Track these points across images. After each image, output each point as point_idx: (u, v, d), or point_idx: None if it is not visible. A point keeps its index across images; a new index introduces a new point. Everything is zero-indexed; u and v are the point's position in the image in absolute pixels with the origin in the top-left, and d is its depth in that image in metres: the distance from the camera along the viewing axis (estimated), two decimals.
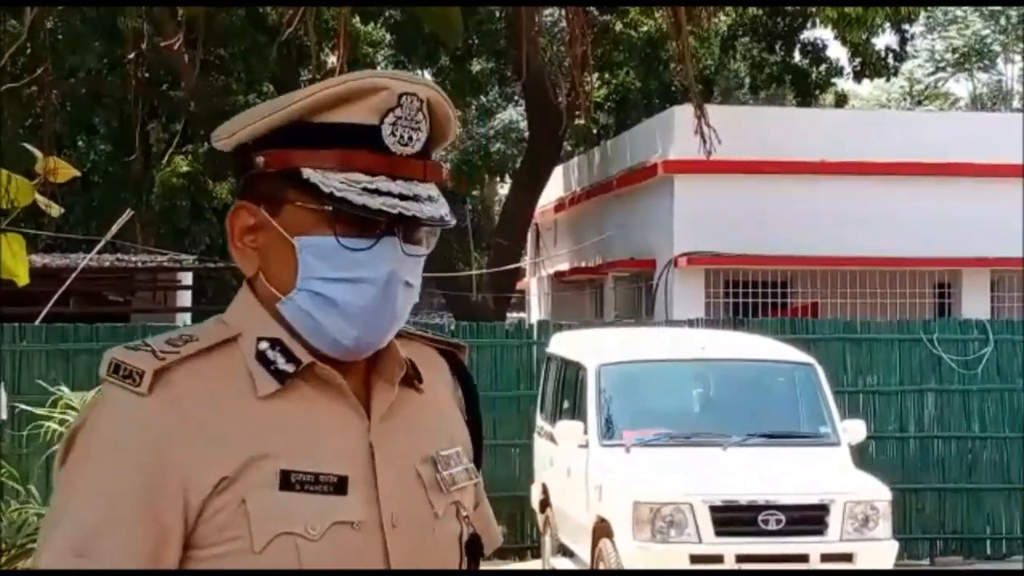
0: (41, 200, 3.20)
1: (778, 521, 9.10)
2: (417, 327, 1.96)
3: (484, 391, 12.40)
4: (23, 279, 3.12)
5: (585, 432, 9.97)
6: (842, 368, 12.68)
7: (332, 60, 16.66)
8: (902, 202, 16.56)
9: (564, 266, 22.22)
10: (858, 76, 23.58)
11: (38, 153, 3.31)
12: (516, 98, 27.72)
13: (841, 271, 16.86)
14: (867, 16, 19.44)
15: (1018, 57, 42.49)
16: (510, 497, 11.93)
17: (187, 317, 16.42)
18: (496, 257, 20.68)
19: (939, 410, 12.93)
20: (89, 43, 20.11)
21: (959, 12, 40.96)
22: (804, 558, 9.03)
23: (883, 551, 9.28)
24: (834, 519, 9.13)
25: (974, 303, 16.73)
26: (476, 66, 24.70)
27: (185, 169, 22.81)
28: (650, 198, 17.80)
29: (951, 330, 13.16)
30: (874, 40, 22.77)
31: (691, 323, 13.30)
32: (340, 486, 1.70)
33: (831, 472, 9.66)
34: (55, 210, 3.25)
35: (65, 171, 3.31)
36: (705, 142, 15.13)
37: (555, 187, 22.30)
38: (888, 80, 30.80)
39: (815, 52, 24.21)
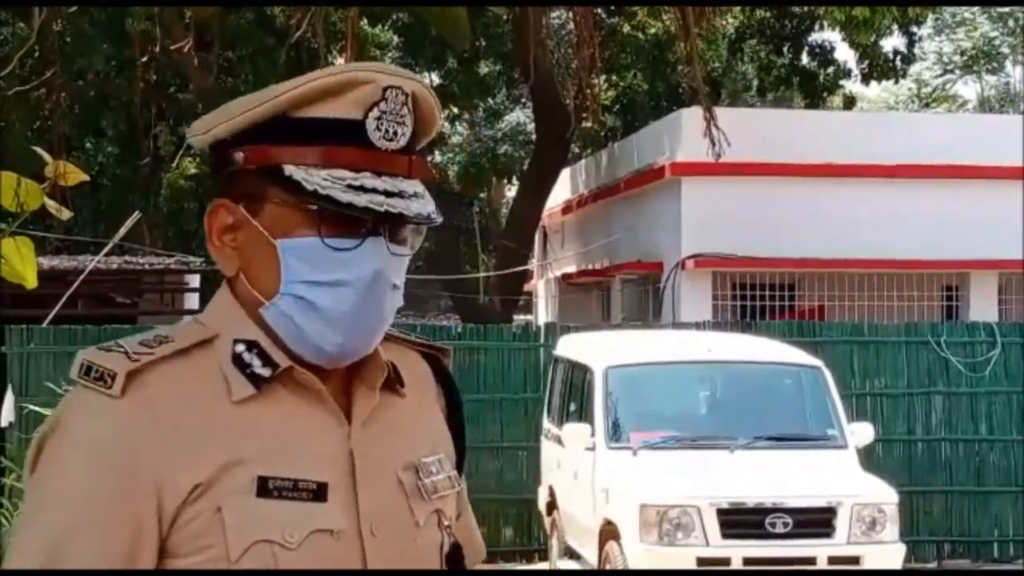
0: (51, 204, 3.19)
1: (785, 524, 9.10)
2: (400, 329, 1.88)
3: (491, 393, 12.53)
4: (31, 283, 3.10)
5: (592, 435, 9.98)
6: (849, 371, 12.67)
7: (340, 62, 16.66)
8: (910, 204, 16.52)
9: (571, 268, 22.19)
10: (866, 78, 23.51)
11: (47, 156, 3.30)
12: (523, 100, 27.67)
13: (848, 273, 16.82)
14: (875, 18, 19.42)
15: None
16: (517, 499, 11.93)
17: None
18: (503, 259, 20.66)
19: (946, 413, 12.92)
20: (97, 45, 20.11)
21: (967, 14, 40.88)
22: (811, 561, 9.04)
23: (890, 554, 9.28)
24: (841, 522, 9.14)
25: (982, 306, 16.68)
26: (484, 68, 24.68)
27: (193, 172, 22.79)
28: (657, 200, 17.78)
29: (958, 333, 13.15)
30: (882, 42, 22.74)
31: (698, 325, 13.29)
32: (319, 493, 1.64)
33: (838, 475, 9.66)
34: (65, 214, 3.24)
35: (75, 174, 3.30)
36: (714, 145, 15.10)
37: (562, 189, 22.28)
38: (896, 82, 30.68)
39: (823, 54, 24.17)
